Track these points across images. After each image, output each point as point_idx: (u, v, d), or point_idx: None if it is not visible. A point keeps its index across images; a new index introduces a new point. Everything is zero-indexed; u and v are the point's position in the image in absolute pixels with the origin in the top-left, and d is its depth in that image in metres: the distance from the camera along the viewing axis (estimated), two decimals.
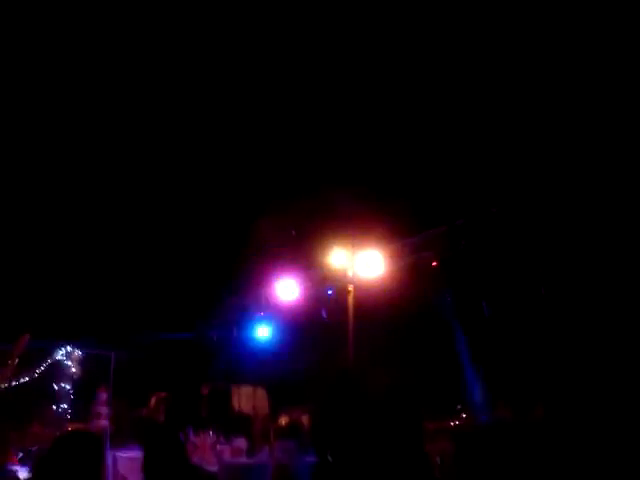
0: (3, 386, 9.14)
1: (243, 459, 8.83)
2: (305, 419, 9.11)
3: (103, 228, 11.72)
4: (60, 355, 12.22)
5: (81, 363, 12.03)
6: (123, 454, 8.64)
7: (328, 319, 11.29)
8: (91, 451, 3.76)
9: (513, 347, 8.83)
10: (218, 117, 10.29)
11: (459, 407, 10.41)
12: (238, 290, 12.35)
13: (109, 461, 8.49)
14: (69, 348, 12.21)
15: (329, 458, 6.05)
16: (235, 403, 12.24)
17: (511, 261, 8.51)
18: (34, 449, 9.38)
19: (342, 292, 10.44)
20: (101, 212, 11.62)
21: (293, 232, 9.84)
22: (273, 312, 11.86)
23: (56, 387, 12.17)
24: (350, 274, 9.89)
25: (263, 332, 12.10)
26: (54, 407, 12.14)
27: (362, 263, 9.56)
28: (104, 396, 10.71)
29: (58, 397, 12.24)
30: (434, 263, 9.07)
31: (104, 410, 10.56)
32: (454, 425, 9.76)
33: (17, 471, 7.03)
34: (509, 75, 8.02)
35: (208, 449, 8.93)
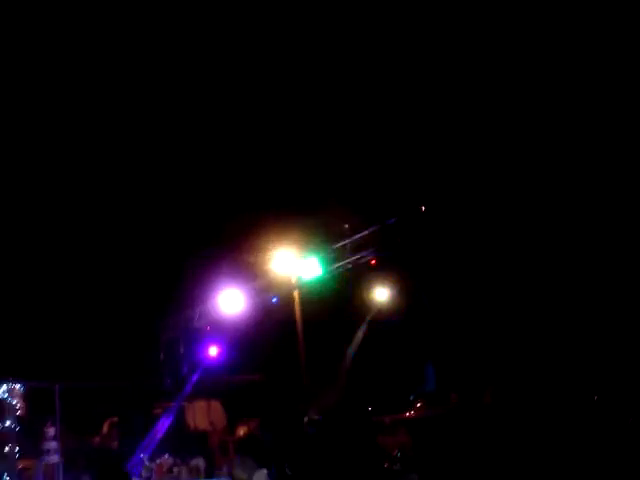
0: None
1: (200, 479, 8.74)
2: (260, 432, 9.13)
3: (41, 258, 11.30)
4: (1, 392, 11.72)
5: (24, 399, 11.57)
6: None
7: (276, 326, 11.28)
8: None
9: (458, 337, 9.08)
10: (160, 128, 10.06)
11: (412, 397, 10.60)
12: (181, 306, 12.16)
13: None
14: (10, 384, 11.72)
15: (287, 471, 6.10)
16: (190, 420, 12.06)
17: (446, 254, 8.74)
18: None
19: (287, 299, 10.45)
20: (35, 239, 11.16)
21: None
22: (219, 324, 11.74)
23: (1, 426, 11.67)
24: (294, 280, 9.92)
25: (213, 350, 11.96)
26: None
27: (304, 268, 9.60)
28: (51, 431, 10.36)
29: (5, 437, 11.73)
30: (372, 261, 9.20)
31: (53, 445, 10.21)
32: (409, 416, 9.95)
33: None
34: (437, 79, 8.19)
35: (165, 472, 8.77)
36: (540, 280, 7.86)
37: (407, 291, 9.55)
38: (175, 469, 8.73)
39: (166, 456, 9.10)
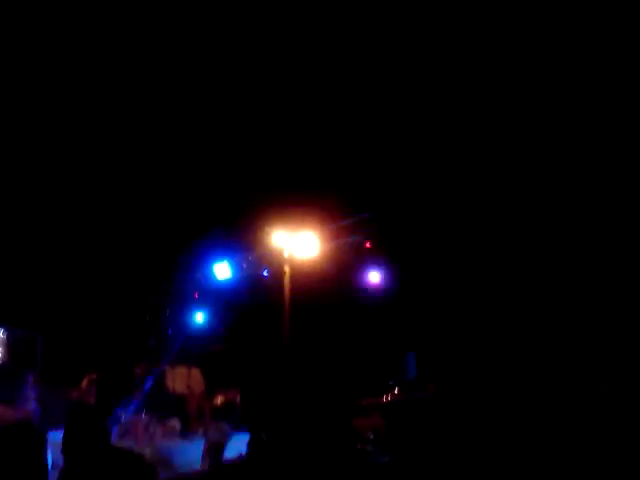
0: None
1: (176, 439, 8.83)
2: (240, 399, 9.21)
3: (29, 206, 11.26)
4: None
5: (6, 346, 11.61)
6: (52, 438, 8.44)
7: (264, 300, 11.35)
8: (32, 446, 3.74)
9: (443, 328, 9.18)
10: (154, 106, 10.04)
11: (391, 383, 10.71)
12: (172, 271, 12.20)
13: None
14: None
15: (263, 436, 6.18)
16: (169, 383, 12.14)
17: (440, 243, 8.82)
18: None
19: (278, 273, 10.52)
20: (28, 193, 11.13)
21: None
22: (208, 293, 11.80)
23: None
24: (286, 255, 9.98)
25: (199, 317, 12.03)
26: None
27: (298, 244, 9.66)
28: (31, 379, 10.39)
29: None
30: (367, 244, 9.28)
31: (31, 393, 10.24)
32: (385, 401, 10.05)
33: None
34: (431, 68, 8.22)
35: (141, 430, 8.86)
36: (529, 273, 7.96)
37: (396, 277, 9.61)
38: (151, 428, 8.82)
39: (143, 415, 9.18)
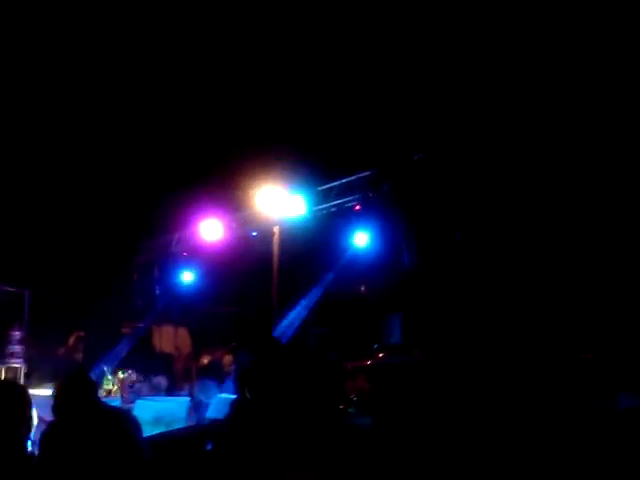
0: None
1: (161, 396, 8.90)
2: (227, 359, 9.25)
3: (14, 162, 11.04)
4: None
5: None
6: (39, 393, 8.47)
7: (253, 260, 11.31)
8: (15, 402, 3.77)
9: (430, 293, 9.19)
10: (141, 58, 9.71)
11: (375, 346, 10.79)
12: (160, 229, 12.11)
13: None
14: None
15: (247, 395, 6.20)
16: (156, 343, 12.20)
17: (429, 208, 8.76)
18: None
19: (267, 234, 10.47)
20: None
21: None
22: (196, 253, 11.74)
23: None
24: (276, 216, 9.90)
25: (187, 277, 11.99)
26: None
27: (287, 206, 9.58)
28: (17, 335, 10.40)
29: None
30: (357, 207, 9.22)
31: (18, 349, 10.27)
32: (369, 364, 10.13)
33: None
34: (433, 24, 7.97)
35: (126, 387, 8.91)
36: (519, 237, 7.94)
37: (386, 240, 9.58)
38: (137, 385, 8.88)
39: (129, 372, 9.23)
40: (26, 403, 3.83)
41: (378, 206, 9.02)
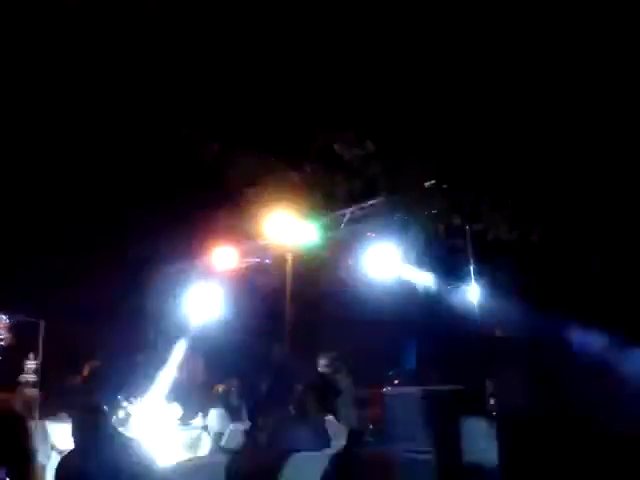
0: None
1: (177, 426, 8.87)
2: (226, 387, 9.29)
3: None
4: None
5: (8, 330, 11.64)
6: (53, 422, 8.48)
7: (266, 289, 11.33)
8: (16, 431, 3.81)
9: (441, 316, 9.14)
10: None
11: (391, 373, 10.71)
12: (174, 258, 12.18)
13: (38, 430, 8.32)
14: None
15: (260, 424, 6.13)
16: (169, 371, 12.16)
17: (442, 232, 8.75)
18: None
19: (280, 261, 10.50)
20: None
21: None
22: (210, 281, 11.78)
23: None
24: (289, 243, 9.95)
25: (200, 305, 11.98)
26: None
27: (300, 233, 9.63)
28: (32, 364, 10.44)
29: None
30: (370, 234, 9.23)
31: (32, 378, 10.30)
32: (384, 392, 10.05)
33: None
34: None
35: (142, 417, 8.87)
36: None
37: (398, 267, 9.55)
38: (151, 414, 8.83)
39: (143, 400, 9.20)
40: (27, 436, 3.86)
41: (390, 233, 9.03)
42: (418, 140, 8.29)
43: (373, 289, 10.19)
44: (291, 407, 6.49)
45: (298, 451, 5.38)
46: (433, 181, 8.19)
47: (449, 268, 9.19)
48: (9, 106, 9.37)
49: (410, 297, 9.52)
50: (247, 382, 10.14)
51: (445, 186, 8.13)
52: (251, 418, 7.98)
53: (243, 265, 11.15)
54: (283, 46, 8.47)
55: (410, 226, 8.68)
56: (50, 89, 9.40)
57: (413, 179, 8.35)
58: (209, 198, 10.85)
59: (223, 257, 11.06)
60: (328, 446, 5.75)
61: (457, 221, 8.38)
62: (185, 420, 9.08)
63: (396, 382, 10.27)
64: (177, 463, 6.00)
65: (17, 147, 10.31)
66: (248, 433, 6.96)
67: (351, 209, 9.30)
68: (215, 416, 8.70)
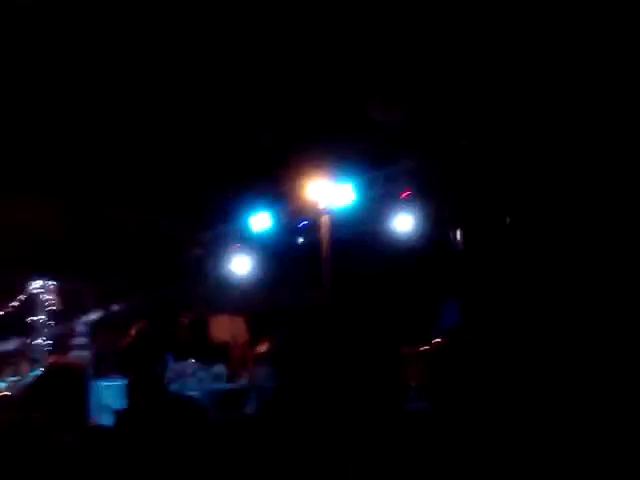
0: None
1: (223, 384, 9.17)
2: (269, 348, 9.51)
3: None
4: (36, 288, 12.23)
5: (58, 295, 12.09)
6: (105, 383, 8.88)
7: (303, 251, 11.47)
8: (74, 384, 3.97)
9: (482, 277, 9.13)
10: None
11: (432, 331, 10.80)
12: (213, 222, 12.38)
13: (91, 391, 8.71)
14: (45, 281, 12.21)
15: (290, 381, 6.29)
16: (213, 332, 12.53)
17: (480, 191, 8.68)
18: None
19: (317, 224, 10.58)
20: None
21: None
22: (249, 244, 11.97)
23: (33, 319, 12.22)
24: (324, 206, 10.00)
25: (240, 267, 12.19)
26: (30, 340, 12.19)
27: (336, 194, 9.67)
28: (83, 327, 10.87)
29: (35, 330, 12.33)
30: (405, 193, 9.21)
31: (84, 341, 10.73)
32: (427, 349, 10.16)
33: None
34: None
35: (189, 376, 9.23)
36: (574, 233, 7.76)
37: (437, 225, 9.54)
38: (199, 373, 9.18)
39: (190, 360, 9.53)
40: (83, 390, 4.02)
41: (426, 192, 9.01)
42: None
43: (409, 249, 10.23)
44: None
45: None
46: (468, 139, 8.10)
47: (483, 226, 9.14)
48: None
49: (444, 256, 9.52)
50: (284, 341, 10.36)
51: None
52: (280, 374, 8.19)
53: (279, 228, 11.28)
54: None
55: (444, 185, 8.64)
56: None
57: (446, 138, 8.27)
58: (244, 165, 10.95)
59: (258, 221, 11.20)
60: None
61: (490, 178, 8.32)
62: (231, 379, 9.39)
63: (437, 341, 10.37)
64: (226, 419, 6.25)
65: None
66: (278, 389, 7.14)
67: (384, 170, 9.27)
68: (259, 374, 8.97)
